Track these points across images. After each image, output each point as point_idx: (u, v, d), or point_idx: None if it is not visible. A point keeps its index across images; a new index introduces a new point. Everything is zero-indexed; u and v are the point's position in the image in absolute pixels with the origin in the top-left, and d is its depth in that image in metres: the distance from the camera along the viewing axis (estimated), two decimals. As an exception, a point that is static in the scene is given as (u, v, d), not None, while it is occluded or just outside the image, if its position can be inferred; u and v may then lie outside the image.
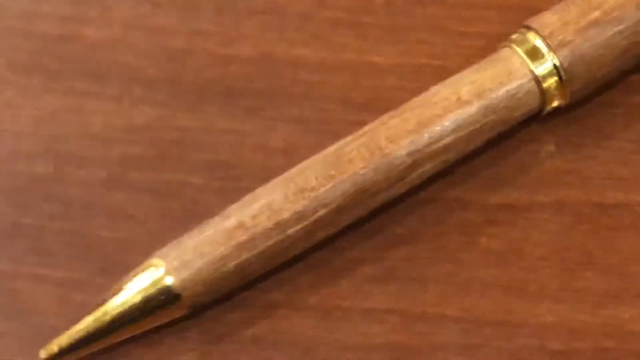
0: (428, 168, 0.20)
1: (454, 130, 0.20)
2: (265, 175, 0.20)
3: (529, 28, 0.21)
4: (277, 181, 0.20)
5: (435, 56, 0.25)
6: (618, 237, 0.22)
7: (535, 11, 0.23)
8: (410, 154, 0.20)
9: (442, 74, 0.22)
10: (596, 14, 0.21)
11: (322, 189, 0.19)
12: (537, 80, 0.21)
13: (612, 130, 0.24)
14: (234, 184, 0.22)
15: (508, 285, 0.22)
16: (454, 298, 0.21)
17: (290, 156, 0.21)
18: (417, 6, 0.25)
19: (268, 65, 0.23)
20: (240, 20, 0.26)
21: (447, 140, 0.20)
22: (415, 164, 0.20)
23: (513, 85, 0.20)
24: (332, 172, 0.19)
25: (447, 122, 0.20)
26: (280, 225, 0.19)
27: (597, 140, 0.23)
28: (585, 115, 0.24)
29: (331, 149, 0.20)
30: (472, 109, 0.20)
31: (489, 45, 0.23)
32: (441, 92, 0.21)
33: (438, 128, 0.20)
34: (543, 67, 0.21)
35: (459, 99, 0.20)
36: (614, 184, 0.23)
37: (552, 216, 0.22)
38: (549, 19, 0.22)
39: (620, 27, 0.21)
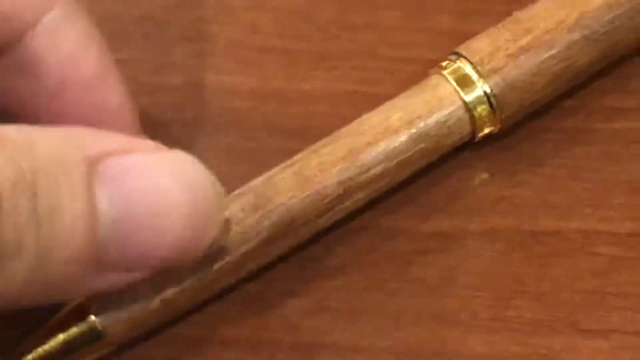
0: (359, 197, 0.20)
1: (384, 159, 0.20)
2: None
3: (459, 55, 0.21)
4: None
5: (368, 82, 0.25)
6: (551, 265, 0.22)
7: (470, 35, 0.23)
8: (340, 182, 0.20)
9: (374, 100, 0.22)
10: (527, 38, 0.21)
11: (248, 220, 0.19)
12: (468, 108, 0.21)
13: (545, 157, 0.24)
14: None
15: (440, 315, 0.21)
16: (386, 329, 0.21)
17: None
18: (349, 32, 0.25)
19: (197, 93, 0.23)
20: (169, 48, 0.26)
21: (378, 168, 0.20)
22: (346, 193, 0.20)
23: (443, 113, 0.20)
24: (260, 203, 0.19)
25: (378, 151, 0.20)
26: (207, 259, 0.18)
27: (530, 166, 0.23)
28: (518, 141, 0.24)
29: (260, 179, 0.20)
30: (402, 137, 0.20)
31: (422, 70, 0.23)
32: (371, 119, 0.21)
33: (369, 156, 0.20)
34: (473, 95, 0.21)
35: (388, 127, 0.20)
36: (546, 211, 0.23)
37: (485, 244, 0.22)
38: (479, 45, 0.22)
39: (552, 52, 0.21)
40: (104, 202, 0.17)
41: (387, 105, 0.21)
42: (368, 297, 0.21)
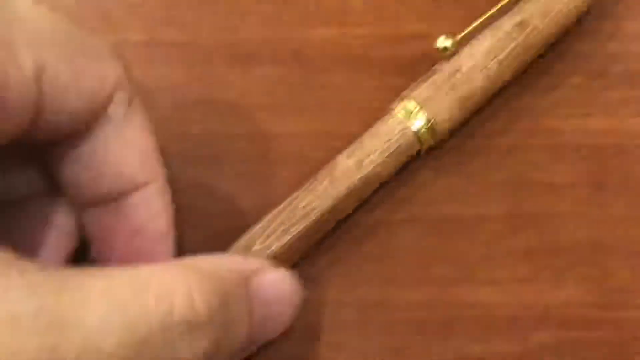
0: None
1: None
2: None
3: (402, 98, 0.27)
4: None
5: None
6: (454, 239, 0.28)
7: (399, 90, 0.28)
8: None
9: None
10: (453, 80, 0.28)
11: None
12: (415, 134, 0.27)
13: (452, 163, 0.30)
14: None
15: (387, 275, 0.27)
16: (352, 288, 0.27)
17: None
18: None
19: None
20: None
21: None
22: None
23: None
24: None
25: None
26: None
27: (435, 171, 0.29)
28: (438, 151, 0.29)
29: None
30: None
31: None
32: (340, 163, 0.27)
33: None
34: (418, 123, 0.27)
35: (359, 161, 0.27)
36: (453, 198, 0.29)
37: (407, 229, 0.28)
38: (421, 90, 0.28)
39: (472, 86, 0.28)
40: (257, 308, 0.23)
41: (355, 143, 0.27)
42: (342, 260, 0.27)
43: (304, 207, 0.26)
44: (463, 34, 0.28)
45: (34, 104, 0.21)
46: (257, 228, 0.26)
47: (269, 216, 0.26)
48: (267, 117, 0.30)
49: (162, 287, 0.20)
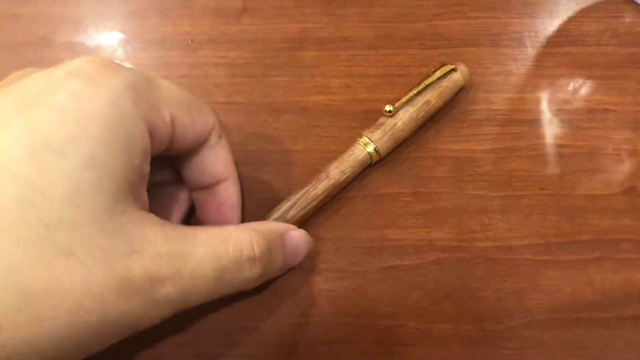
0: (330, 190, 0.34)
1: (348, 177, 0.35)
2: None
3: (363, 135, 0.36)
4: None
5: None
6: (387, 207, 0.36)
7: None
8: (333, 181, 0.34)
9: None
10: (390, 127, 0.36)
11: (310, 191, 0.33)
12: (369, 153, 0.35)
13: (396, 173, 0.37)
14: None
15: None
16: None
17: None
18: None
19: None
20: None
21: (343, 178, 0.35)
22: (331, 190, 0.34)
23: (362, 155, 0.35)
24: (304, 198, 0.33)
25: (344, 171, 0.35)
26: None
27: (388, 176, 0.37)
28: (383, 164, 0.37)
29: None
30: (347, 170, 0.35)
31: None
32: (332, 170, 0.35)
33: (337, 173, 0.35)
34: (370, 149, 0.35)
35: (339, 166, 0.35)
36: (386, 180, 0.36)
37: (367, 202, 0.36)
38: (373, 132, 0.36)
39: (403, 133, 0.36)
40: (287, 250, 0.28)
41: (339, 159, 0.35)
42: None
43: (312, 196, 0.34)
44: (398, 103, 0.37)
45: (170, 136, 0.25)
46: (287, 205, 0.34)
47: (293, 199, 0.34)
48: (289, 142, 0.39)
49: (237, 239, 0.24)
